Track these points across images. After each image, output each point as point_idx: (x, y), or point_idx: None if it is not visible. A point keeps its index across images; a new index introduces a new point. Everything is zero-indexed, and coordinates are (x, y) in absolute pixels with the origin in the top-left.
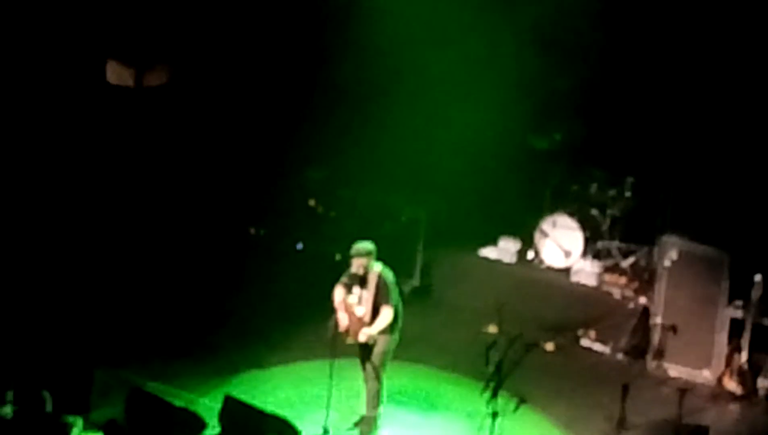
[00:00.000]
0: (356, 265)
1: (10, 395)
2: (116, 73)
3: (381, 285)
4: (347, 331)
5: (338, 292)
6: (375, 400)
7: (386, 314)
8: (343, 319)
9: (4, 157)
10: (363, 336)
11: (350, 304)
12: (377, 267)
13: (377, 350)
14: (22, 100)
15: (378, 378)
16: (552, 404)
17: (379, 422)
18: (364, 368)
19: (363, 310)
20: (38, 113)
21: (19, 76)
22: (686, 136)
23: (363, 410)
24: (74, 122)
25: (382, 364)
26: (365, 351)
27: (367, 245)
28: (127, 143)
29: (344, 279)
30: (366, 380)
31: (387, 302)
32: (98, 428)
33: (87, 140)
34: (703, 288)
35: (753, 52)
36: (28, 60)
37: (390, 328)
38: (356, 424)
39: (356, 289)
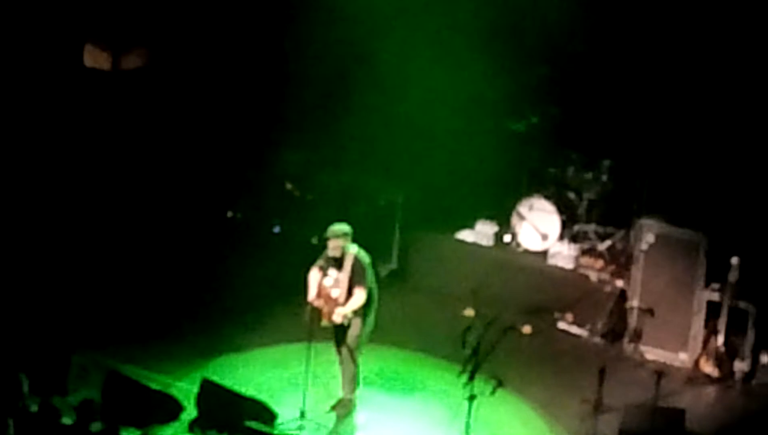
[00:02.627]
0: (332, 248)
1: None
2: (93, 57)
3: (356, 267)
4: (322, 314)
5: (313, 274)
6: (351, 383)
7: (359, 295)
8: (318, 302)
9: None
10: (337, 316)
11: (325, 286)
12: (353, 249)
13: (352, 333)
14: None
15: (354, 361)
16: (529, 387)
17: (356, 405)
18: (339, 352)
19: (338, 292)
20: (14, 98)
21: None
22: (663, 119)
23: (340, 393)
24: (51, 106)
25: (358, 347)
26: (341, 334)
27: (342, 227)
28: (104, 127)
29: (320, 261)
30: (342, 363)
31: (361, 283)
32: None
33: (64, 125)
34: (680, 271)
35: (727, 31)
36: (2, 43)
37: (365, 311)
38: (333, 407)
39: (332, 272)
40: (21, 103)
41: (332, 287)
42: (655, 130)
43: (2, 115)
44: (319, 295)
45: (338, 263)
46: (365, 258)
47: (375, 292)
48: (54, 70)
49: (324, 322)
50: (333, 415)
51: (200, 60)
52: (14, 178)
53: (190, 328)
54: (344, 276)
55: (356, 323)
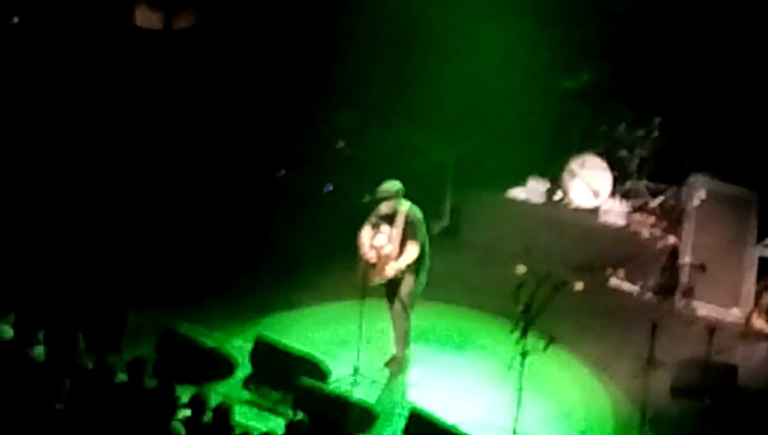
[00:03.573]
0: (384, 207)
1: (41, 335)
2: (145, 16)
3: (409, 222)
4: (375, 271)
5: (365, 232)
6: (404, 339)
7: (412, 250)
8: (371, 259)
9: (35, 102)
10: (390, 270)
11: (378, 242)
12: (405, 204)
13: (404, 290)
14: (49, 44)
15: (406, 317)
16: (581, 343)
17: (409, 361)
18: (391, 308)
19: (391, 248)
20: (66, 57)
21: (45, 19)
22: (714, 75)
23: (392, 350)
24: (102, 66)
25: (410, 303)
26: (393, 291)
27: (393, 184)
28: (156, 87)
29: (372, 218)
30: (394, 320)
31: (414, 238)
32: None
33: (116, 85)
34: (732, 227)
35: None
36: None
37: (417, 267)
38: (386, 364)
39: (384, 228)
40: (74, 64)
41: (385, 243)
42: (706, 86)
43: (56, 76)
44: (372, 251)
45: (390, 219)
46: (417, 213)
47: (427, 249)
48: (106, 30)
49: (376, 279)
50: (386, 371)
51: (251, 20)
52: (72, 141)
53: (243, 286)
54: (397, 232)
55: (408, 279)
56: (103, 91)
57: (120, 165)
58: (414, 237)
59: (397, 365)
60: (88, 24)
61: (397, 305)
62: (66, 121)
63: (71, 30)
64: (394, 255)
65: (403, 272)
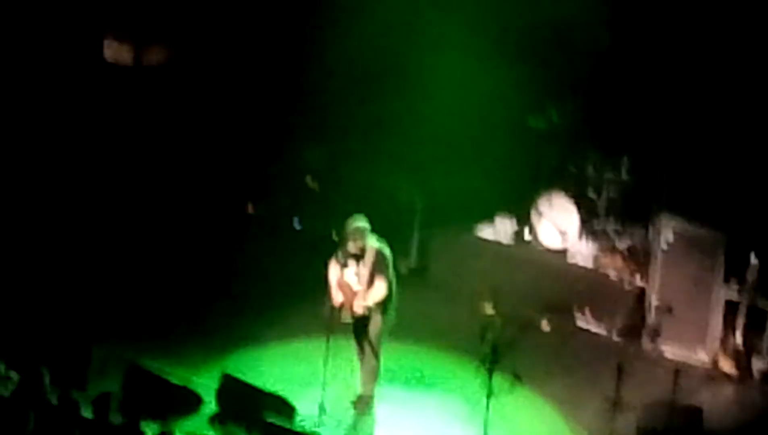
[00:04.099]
0: (352, 241)
1: (1, 368)
2: (114, 51)
3: (378, 259)
4: (342, 308)
5: (333, 268)
6: (372, 378)
7: (380, 286)
8: (337, 296)
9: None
10: (358, 307)
11: (346, 280)
12: (373, 241)
13: (373, 328)
14: (14, 78)
15: (375, 356)
16: (548, 384)
17: (375, 401)
18: (360, 348)
19: (360, 287)
20: (32, 91)
21: (10, 51)
22: (683, 116)
23: (359, 389)
24: (70, 101)
25: (379, 342)
26: (361, 329)
27: (361, 222)
28: (124, 121)
29: (339, 255)
30: (363, 359)
31: (382, 275)
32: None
33: (84, 118)
34: (699, 269)
35: (748, 26)
36: (20, 33)
37: (385, 305)
38: (353, 403)
39: (352, 265)
40: (41, 98)
41: (353, 280)
42: (674, 127)
43: (21, 112)
44: (339, 288)
45: (358, 257)
46: (386, 251)
47: (395, 286)
48: (74, 64)
49: (345, 316)
50: (352, 410)
51: (222, 54)
52: (35, 175)
53: (210, 322)
54: (365, 269)
55: (377, 318)
56: (73, 125)
57: (86, 200)
58: (382, 274)
59: (363, 404)
60: (57, 58)
61: (366, 344)
62: (33, 155)
63: (41, 63)
64: (363, 292)
65: (371, 310)
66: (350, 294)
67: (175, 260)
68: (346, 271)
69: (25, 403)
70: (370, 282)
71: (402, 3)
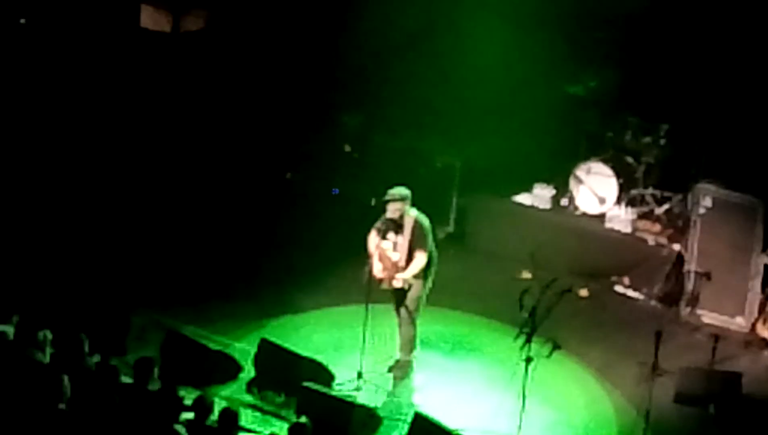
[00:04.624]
0: (391, 211)
1: (41, 335)
2: (151, 18)
3: (416, 230)
4: (382, 277)
5: (372, 238)
6: (409, 344)
7: (420, 259)
8: (377, 265)
9: (42, 105)
10: (398, 281)
11: (385, 249)
12: (413, 212)
13: (411, 295)
14: (53, 46)
15: (413, 323)
16: (585, 350)
17: (414, 367)
18: (398, 313)
19: (398, 256)
20: (70, 60)
21: (49, 20)
22: (721, 84)
23: (397, 355)
24: (108, 69)
25: (417, 308)
26: (400, 296)
27: (401, 190)
28: (163, 90)
29: (379, 224)
30: (400, 325)
31: (422, 247)
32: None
33: (122, 88)
34: (737, 235)
35: None
36: (59, 2)
37: (424, 274)
38: (390, 369)
39: (391, 235)
40: (79, 67)
41: (391, 250)
42: (713, 94)
43: (60, 79)
44: (378, 258)
45: (397, 226)
46: (425, 221)
47: (434, 255)
48: (111, 32)
49: (384, 286)
50: (390, 376)
51: (259, 22)
52: (77, 142)
53: (248, 289)
54: (404, 239)
55: (416, 285)
56: (110, 94)
57: (126, 168)
58: (422, 246)
59: (401, 370)
60: (94, 26)
61: (404, 311)
62: (72, 124)
63: (77, 32)
64: (402, 262)
65: (410, 281)
66: (390, 265)
67: (214, 227)
68: (385, 240)
69: (63, 370)
70: (409, 253)
71: None
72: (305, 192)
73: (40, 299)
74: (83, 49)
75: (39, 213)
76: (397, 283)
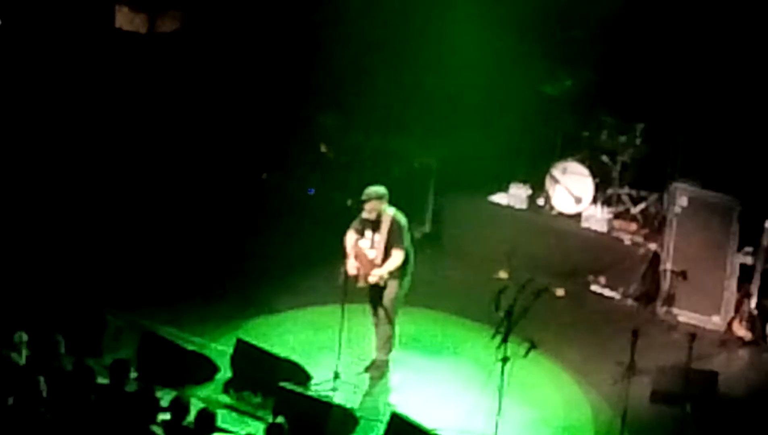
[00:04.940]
0: (368, 210)
1: (17, 337)
2: (127, 19)
3: (393, 228)
4: (358, 276)
5: (350, 237)
6: (387, 344)
7: (397, 256)
8: (353, 264)
9: (11, 106)
10: (374, 277)
11: (362, 247)
12: (390, 210)
13: (388, 294)
14: (26, 47)
15: (390, 322)
16: (562, 349)
17: (390, 367)
18: (375, 313)
19: (374, 253)
20: (44, 60)
21: (24, 21)
22: (697, 83)
23: (374, 355)
24: (83, 70)
25: (394, 308)
26: (376, 295)
27: (378, 189)
28: (139, 91)
29: (356, 223)
30: (378, 325)
31: (399, 245)
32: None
33: (97, 90)
34: (713, 234)
35: None
36: (32, 3)
37: (401, 272)
38: (367, 369)
39: (368, 233)
40: (53, 68)
41: (368, 248)
42: (689, 93)
43: (33, 81)
44: (355, 257)
45: (375, 225)
46: (402, 219)
47: (411, 253)
48: (85, 33)
49: (360, 284)
50: (367, 376)
51: (235, 23)
52: (49, 142)
53: (224, 290)
54: (381, 237)
55: (393, 285)
56: (85, 95)
57: (101, 168)
58: (399, 243)
59: (378, 370)
60: (69, 26)
61: (381, 310)
62: (46, 125)
63: (52, 32)
64: (379, 260)
65: (386, 278)
66: (366, 263)
67: (189, 228)
68: (363, 239)
69: (39, 371)
70: (386, 251)
71: None
72: (281, 192)
73: (16, 300)
74: (58, 50)
75: (14, 214)
76: (373, 279)
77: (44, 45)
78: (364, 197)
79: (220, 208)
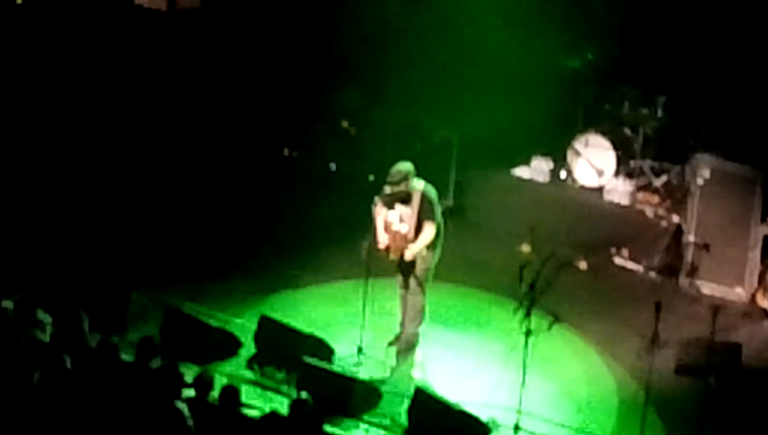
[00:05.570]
0: (397, 187)
1: (41, 314)
2: None
3: (424, 202)
4: (388, 249)
5: (378, 210)
6: (418, 316)
7: (429, 230)
8: (382, 237)
9: (34, 83)
10: (408, 254)
11: (391, 221)
12: (420, 184)
13: (421, 266)
14: (48, 22)
15: (422, 293)
16: (585, 322)
17: (420, 340)
18: (405, 285)
19: (406, 228)
20: (65, 38)
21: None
22: (719, 54)
23: (400, 328)
24: (103, 47)
25: (426, 279)
26: (407, 268)
27: (402, 167)
28: (159, 68)
29: (384, 196)
30: (407, 296)
31: (430, 218)
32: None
33: (117, 67)
34: (736, 206)
35: None
36: None
37: (432, 245)
38: (394, 342)
39: (398, 206)
40: (73, 44)
41: (399, 222)
42: (710, 65)
43: (55, 56)
44: (385, 229)
45: (404, 199)
46: (432, 193)
47: (442, 226)
48: (106, 9)
49: (391, 257)
50: (392, 350)
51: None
52: (71, 119)
53: (248, 266)
54: (412, 211)
55: (424, 257)
56: (105, 72)
57: (124, 146)
58: (430, 217)
59: (407, 343)
60: (88, 3)
61: (413, 282)
62: (68, 104)
63: (72, 9)
64: (410, 234)
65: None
66: (398, 236)
67: (212, 204)
68: (392, 212)
69: (64, 349)
70: (418, 225)
71: None
72: (303, 168)
73: (40, 278)
74: (78, 27)
75: (39, 192)
76: (409, 255)
77: (64, 22)
78: (390, 179)
79: (243, 185)
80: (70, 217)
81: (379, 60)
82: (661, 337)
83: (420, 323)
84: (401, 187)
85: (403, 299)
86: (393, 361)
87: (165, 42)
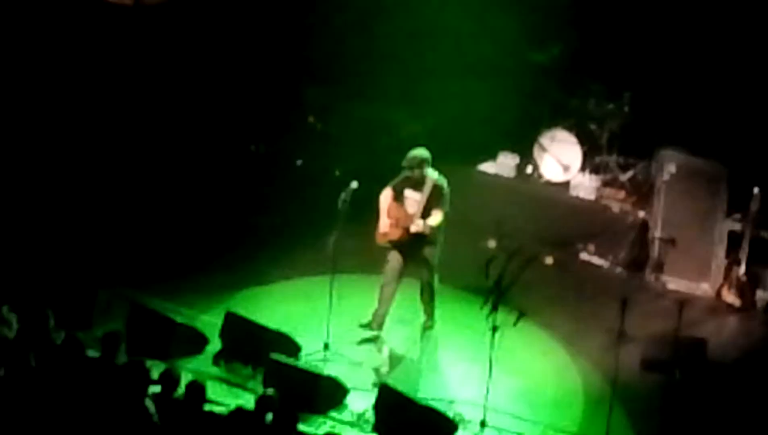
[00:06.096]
0: (411, 173)
1: (6, 310)
2: None
3: (436, 190)
4: (387, 232)
5: (386, 194)
6: (432, 302)
7: (438, 215)
8: (384, 221)
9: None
10: (415, 226)
11: (399, 204)
12: (433, 174)
13: (432, 262)
14: (11, 18)
15: (437, 280)
16: (552, 318)
17: (381, 339)
18: (399, 276)
19: (414, 209)
20: (29, 33)
21: None
22: (685, 50)
23: (422, 317)
24: (68, 42)
25: (436, 268)
26: (411, 248)
27: (420, 153)
28: (125, 64)
29: (396, 182)
30: (423, 290)
31: (439, 207)
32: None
33: (83, 62)
34: (702, 201)
35: None
36: None
37: (437, 239)
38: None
39: (409, 192)
40: (39, 41)
41: (408, 205)
42: (676, 60)
43: (21, 52)
44: (389, 215)
45: (416, 185)
46: (445, 184)
47: (444, 223)
48: (72, 4)
49: (391, 237)
50: (355, 347)
51: None
52: (39, 116)
53: (213, 262)
54: (422, 198)
55: (431, 250)
56: (70, 67)
57: (89, 143)
58: (441, 206)
59: (429, 329)
60: None
61: (425, 273)
62: (33, 101)
63: (37, 4)
64: (417, 216)
65: (425, 236)
66: (404, 217)
67: (178, 200)
68: (403, 197)
69: (29, 345)
70: (426, 212)
71: None
72: (269, 163)
73: (5, 274)
74: (43, 22)
75: (2, 189)
76: (414, 228)
77: (29, 17)
78: (406, 163)
79: (209, 181)
80: (36, 214)
81: (345, 56)
82: (627, 332)
83: (433, 309)
84: (416, 173)
85: (386, 289)
86: (359, 357)
87: (131, 37)
